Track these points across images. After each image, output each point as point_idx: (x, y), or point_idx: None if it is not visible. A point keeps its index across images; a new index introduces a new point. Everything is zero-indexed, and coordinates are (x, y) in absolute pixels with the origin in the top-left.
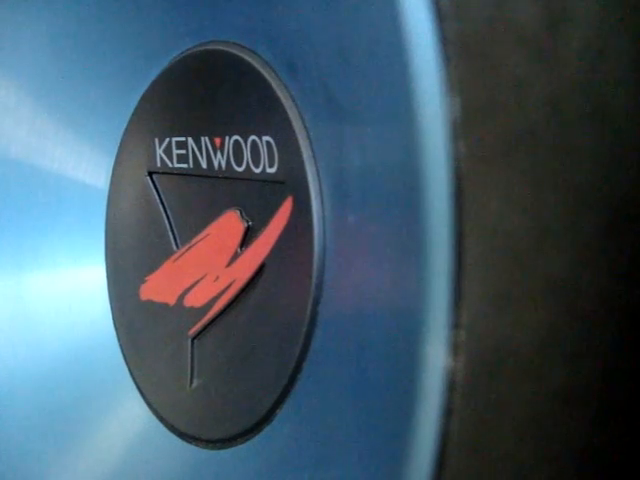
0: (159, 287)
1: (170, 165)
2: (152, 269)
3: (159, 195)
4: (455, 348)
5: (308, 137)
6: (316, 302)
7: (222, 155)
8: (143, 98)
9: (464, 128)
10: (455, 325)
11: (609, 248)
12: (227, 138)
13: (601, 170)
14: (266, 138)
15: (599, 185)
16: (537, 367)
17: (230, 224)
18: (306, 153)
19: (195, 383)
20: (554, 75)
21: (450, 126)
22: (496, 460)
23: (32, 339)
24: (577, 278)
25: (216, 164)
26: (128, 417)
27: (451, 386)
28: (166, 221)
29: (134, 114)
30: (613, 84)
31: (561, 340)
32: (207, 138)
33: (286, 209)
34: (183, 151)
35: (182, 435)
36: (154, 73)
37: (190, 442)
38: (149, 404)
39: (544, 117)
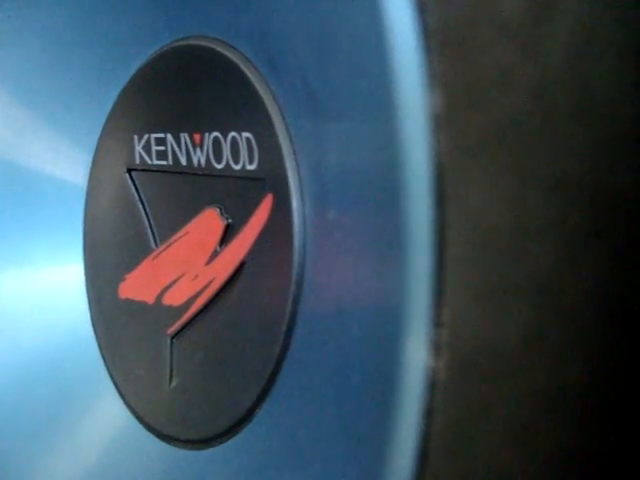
0: (138, 285)
1: (149, 162)
2: (131, 267)
3: (138, 192)
4: (436, 347)
5: (288, 133)
6: (296, 300)
7: (201, 152)
8: (122, 94)
9: (446, 122)
10: (437, 324)
11: (594, 244)
12: (206, 135)
13: (586, 163)
14: (246, 135)
15: (584, 179)
16: (520, 366)
17: (209, 222)
18: (286, 150)
19: (174, 382)
20: (538, 66)
21: (432, 120)
22: (477, 460)
23: (8, 339)
24: (561, 275)
25: (195, 161)
26: (107, 417)
27: (432, 385)
28: (145, 219)
29: (112, 110)
30: (599, 75)
31: (545, 339)
32: (186, 134)
33: (266, 206)
34: (162, 148)
35: (161, 435)
36: (133, 69)
37: (169, 442)
38: (128, 404)
39: (528, 109)
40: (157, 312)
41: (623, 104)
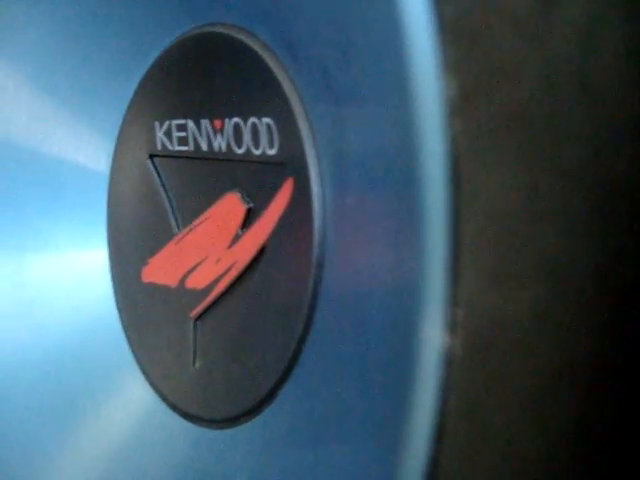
0: (161, 269)
1: (171, 148)
2: (154, 252)
3: (160, 178)
4: (452, 326)
5: (307, 118)
6: (317, 282)
7: (222, 137)
8: (143, 81)
9: (459, 108)
10: (452, 304)
11: (602, 226)
12: (227, 120)
13: (594, 149)
14: (266, 120)
15: (592, 164)
16: (531, 344)
17: (231, 206)
18: (306, 134)
19: (198, 364)
20: (545, 56)
21: (446, 106)
22: (492, 435)
23: (34, 324)
24: (570, 257)
25: (216, 146)
26: (132, 399)
27: (449, 363)
28: (167, 204)
29: (134, 97)
30: (605, 65)
31: (554, 318)
32: (207, 120)
33: (286, 191)
34: (183, 134)
35: (185, 415)
36: (153, 56)
37: (193, 422)
38: (153, 385)
39: (537, 98)
40: (180, 295)
41: (628, 94)
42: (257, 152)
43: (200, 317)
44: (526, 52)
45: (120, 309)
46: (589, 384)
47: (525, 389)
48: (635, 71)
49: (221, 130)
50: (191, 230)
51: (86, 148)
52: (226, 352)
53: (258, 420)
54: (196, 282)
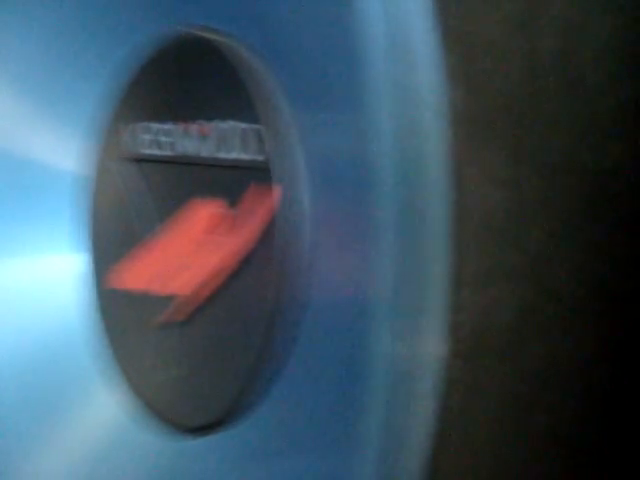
0: (143, 274)
1: (156, 152)
2: (135, 256)
3: (145, 182)
4: (446, 332)
5: (295, 125)
6: (302, 289)
7: (206, 142)
8: (127, 84)
9: (455, 111)
10: (446, 309)
11: (586, 225)
12: (213, 125)
13: (577, 145)
14: (253, 125)
15: (575, 160)
16: (514, 347)
17: (216, 212)
18: (294, 141)
19: (178, 371)
20: (530, 52)
21: (437, 109)
22: (479, 439)
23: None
24: (553, 255)
25: (201, 151)
26: (111, 406)
27: (443, 370)
28: (150, 209)
29: (119, 100)
30: (590, 60)
31: (537, 320)
32: (192, 125)
33: (272, 196)
34: (169, 138)
35: (162, 422)
36: (134, 59)
37: (170, 429)
38: (130, 392)
39: (520, 94)
40: (163, 301)
41: (612, 88)
42: (244, 157)
43: (182, 323)
44: (513, 44)
45: (99, 314)
46: (573, 387)
47: (510, 392)
48: (617, 67)
49: (206, 134)
50: (175, 235)
51: (55, 151)
52: (208, 359)
53: (236, 428)
54: (179, 288)
